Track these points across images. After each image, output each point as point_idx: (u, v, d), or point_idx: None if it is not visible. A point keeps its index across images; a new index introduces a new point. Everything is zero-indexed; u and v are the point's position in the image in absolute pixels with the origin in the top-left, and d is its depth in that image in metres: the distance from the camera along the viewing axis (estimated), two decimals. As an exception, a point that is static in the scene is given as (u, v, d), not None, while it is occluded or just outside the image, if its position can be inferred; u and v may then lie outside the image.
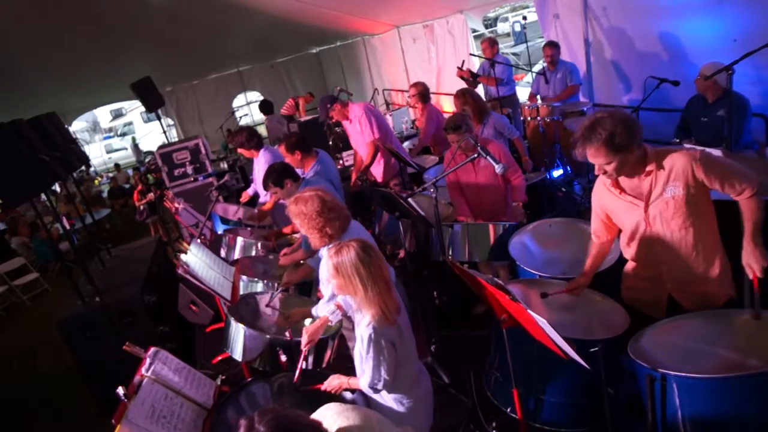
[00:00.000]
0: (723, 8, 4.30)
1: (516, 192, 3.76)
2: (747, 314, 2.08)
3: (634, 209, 2.31)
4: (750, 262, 2.07)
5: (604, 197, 2.45)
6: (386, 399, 2.19)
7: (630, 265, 2.55)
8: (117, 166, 16.76)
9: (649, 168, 2.21)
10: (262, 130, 10.15)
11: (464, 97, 4.59)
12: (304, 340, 2.39)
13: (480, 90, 6.71)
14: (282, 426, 1.24)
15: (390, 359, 2.05)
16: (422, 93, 5.64)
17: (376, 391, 2.11)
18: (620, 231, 2.50)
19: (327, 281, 2.65)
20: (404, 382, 2.17)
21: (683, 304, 2.40)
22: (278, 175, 3.57)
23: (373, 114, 5.02)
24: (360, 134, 5.01)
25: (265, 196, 4.61)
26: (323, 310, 2.66)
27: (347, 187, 5.12)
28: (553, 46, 5.84)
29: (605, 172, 2.23)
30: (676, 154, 2.18)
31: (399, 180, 5.04)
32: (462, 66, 6.75)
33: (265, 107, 8.98)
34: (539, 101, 6.00)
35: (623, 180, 2.32)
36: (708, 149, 2.95)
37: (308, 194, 2.62)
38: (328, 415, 1.57)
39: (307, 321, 2.81)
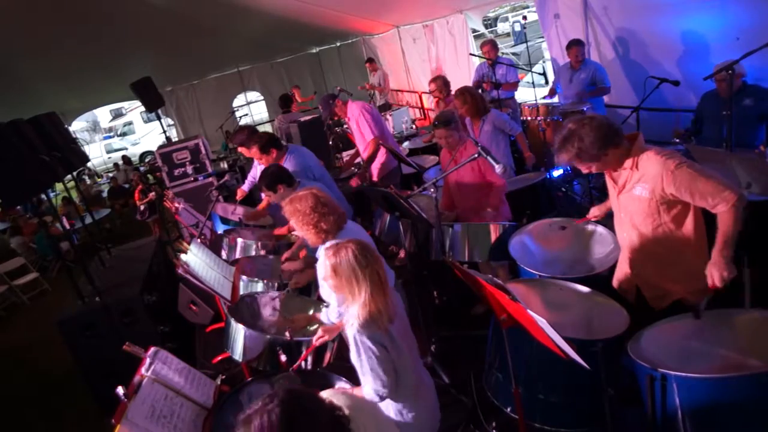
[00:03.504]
0: (724, 7, 4.29)
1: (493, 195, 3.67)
2: (747, 314, 2.10)
3: (613, 191, 2.49)
4: (711, 270, 2.10)
5: None
6: (388, 409, 2.14)
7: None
8: (117, 165, 16.74)
9: (626, 165, 2.34)
10: (263, 130, 10.10)
11: (463, 96, 4.56)
12: (318, 333, 2.43)
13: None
14: (296, 408, 1.20)
15: (385, 360, 1.99)
16: (445, 84, 5.86)
17: (382, 398, 2.03)
18: None
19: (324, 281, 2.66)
20: (403, 392, 2.10)
21: (645, 294, 2.50)
22: (271, 180, 3.45)
23: (370, 113, 5.05)
24: (358, 132, 5.10)
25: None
26: (335, 314, 2.63)
27: (347, 187, 5.12)
28: (578, 44, 5.41)
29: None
30: (655, 159, 2.23)
31: (397, 180, 5.05)
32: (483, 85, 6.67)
33: (285, 102, 8.75)
34: (557, 98, 5.96)
35: None
36: (710, 148, 2.94)
37: (302, 193, 2.63)
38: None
39: (312, 327, 2.81)
